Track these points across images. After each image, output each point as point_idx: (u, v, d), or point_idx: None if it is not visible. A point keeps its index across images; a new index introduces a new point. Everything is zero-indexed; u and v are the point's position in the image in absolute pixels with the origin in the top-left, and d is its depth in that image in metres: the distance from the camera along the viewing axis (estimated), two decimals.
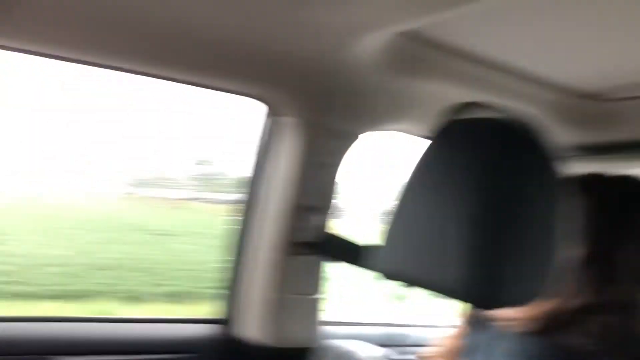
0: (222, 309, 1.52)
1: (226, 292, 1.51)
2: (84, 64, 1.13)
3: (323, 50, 1.09)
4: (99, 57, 1.10)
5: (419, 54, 1.17)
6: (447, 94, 1.31)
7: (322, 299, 1.46)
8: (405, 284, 0.84)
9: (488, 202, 0.62)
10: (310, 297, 1.44)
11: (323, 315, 1.46)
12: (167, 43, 1.06)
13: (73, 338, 1.26)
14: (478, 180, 0.64)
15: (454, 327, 0.97)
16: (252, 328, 1.43)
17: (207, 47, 1.08)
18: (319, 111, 1.34)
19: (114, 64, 1.14)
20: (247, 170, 1.52)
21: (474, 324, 0.87)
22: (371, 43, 1.07)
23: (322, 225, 1.43)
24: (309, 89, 1.27)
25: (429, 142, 0.77)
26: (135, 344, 1.30)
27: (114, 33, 1.01)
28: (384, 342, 1.69)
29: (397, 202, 0.76)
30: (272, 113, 1.42)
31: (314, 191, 1.41)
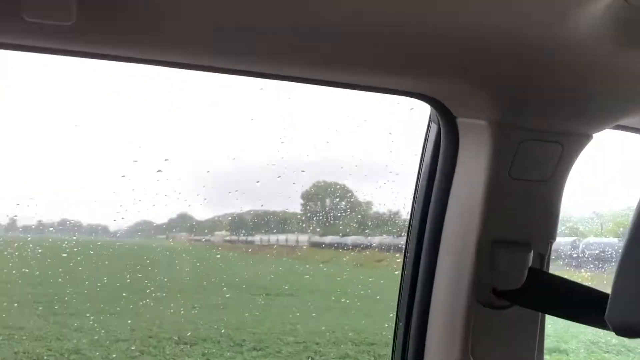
0: None
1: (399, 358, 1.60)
2: (254, 76, 1.32)
3: (528, 30, 1.12)
4: (268, 67, 1.29)
5: None
6: None
7: None
8: None
9: None
10: None
11: None
12: (335, 45, 1.17)
13: None
14: None
15: None
16: None
17: (375, 42, 1.17)
18: (521, 110, 1.38)
19: (280, 73, 1.31)
20: (405, 195, 1.63)
21: None
22: (594, 13, 1.07)
23: (531, 267, 1.47)
24: (506, 81, 1.31)
25: None
26: None
27: (281, 40, 1.15)
28: None
29: (635, 233, 0.77)
30: (448, 115, 1.48)
31: (516, 220, 1.46)
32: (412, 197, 1.62)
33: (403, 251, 1.64)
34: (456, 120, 1.49)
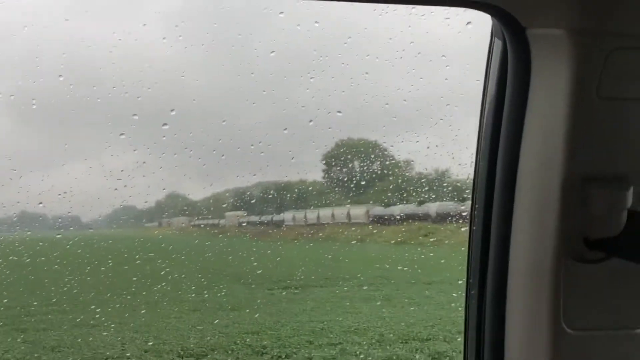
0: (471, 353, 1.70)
1: (471, 342, 1.69)
2: None
3: None
4: None
5: None
6: None
7: None
8: None
9: None
10: (623, 331, 1.52)
11: None
12: None
13: None
14: None
15: None
16: None
17: None
18: (610, 10, 1.38)
19: None
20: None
21: None
22: None
23: (630, 208, 1.48)
24: None
25: None
26: None
27: None
28: None
29: None
30: (516, 26, 1.49)
31: (610, 149, 1.47)
32: (476, 133, 1.66)
33: (470, 202, 1.69)
34: (526, 31, 1.50)
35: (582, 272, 1.52)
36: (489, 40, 1.63)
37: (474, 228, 1.66)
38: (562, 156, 1.48)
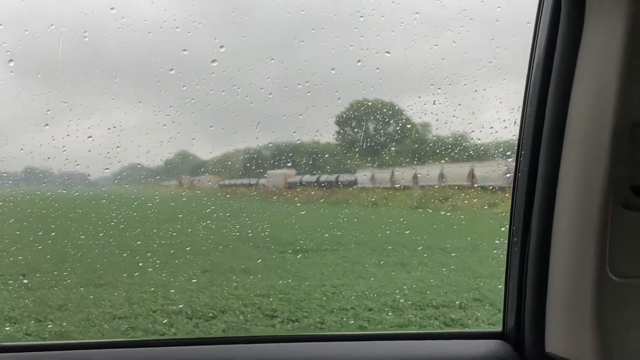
0: (510, 319, 1.77)
1: (512, 294, 1.74)
2: None
3: None
4: None
5: None
6: None
7: None
8: None
9: None
10: None
11: None
12: None
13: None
14: None
15: None
16: (561, 341, 1.62)
17: None
18: None
19: None
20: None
21: None
22: None
23: None
24: None
25: None
26: None
27: None
28: None
29: None
30: None
31: None
32: (526, 75, 1.67)
33: (516, 150, 1.72)
34: None
35: (629, 220, 1.54)
36: None
37: (519, 175, 1.69)
38: (614, 100, 1.49)
